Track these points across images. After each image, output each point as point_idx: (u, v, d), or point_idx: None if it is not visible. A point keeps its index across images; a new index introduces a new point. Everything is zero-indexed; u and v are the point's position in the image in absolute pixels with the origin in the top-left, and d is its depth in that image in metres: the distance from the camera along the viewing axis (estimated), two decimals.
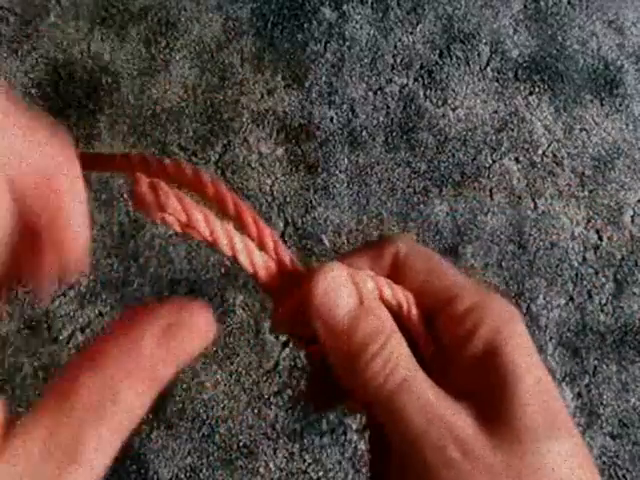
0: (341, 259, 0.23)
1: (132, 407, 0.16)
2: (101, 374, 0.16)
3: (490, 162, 1.07)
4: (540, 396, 0.20)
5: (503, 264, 1.02)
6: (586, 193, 1.07)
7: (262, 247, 0.23)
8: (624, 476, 0.95)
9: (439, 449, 0.19)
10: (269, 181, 1.02)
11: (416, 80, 1.10)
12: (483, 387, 0.20)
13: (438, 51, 1.12)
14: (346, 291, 0.21)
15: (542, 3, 1.17)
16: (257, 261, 0.23)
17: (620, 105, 1.11)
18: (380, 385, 0.20)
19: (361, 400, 0.21)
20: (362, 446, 0.92)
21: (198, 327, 0.18)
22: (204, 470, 0.91)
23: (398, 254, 0.23)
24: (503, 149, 1.07)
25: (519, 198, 1.06)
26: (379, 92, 1.09)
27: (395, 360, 0.20)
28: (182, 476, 0.90)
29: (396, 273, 0.23)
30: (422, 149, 1.06)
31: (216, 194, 0.24)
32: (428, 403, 0.20)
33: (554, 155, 1.08)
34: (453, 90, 1.10)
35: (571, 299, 1.02)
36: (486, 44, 1.13)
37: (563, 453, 0.19)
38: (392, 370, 0.20)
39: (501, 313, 0.22)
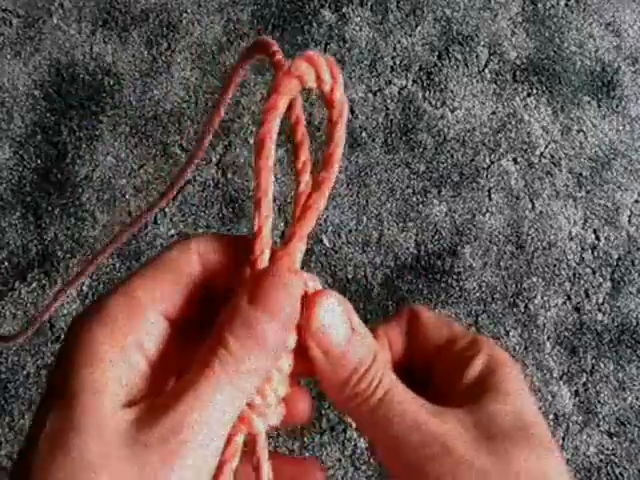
0: (380, 330, 0.27)
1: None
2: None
3: (488, 163, 1.08)
4: (521, 409, 0.22)
5: (501, 264, 1.03)
6: (583, 193, 1.08)
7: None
8: (621, 474, 0.96)
9: (421, 447, 0.21)
10: None
11: (415, 82, 1.11)
12: (476, 399, 0.22)
13: (437, 53, 1.13)
14: (341, 321, 0.23)
15: (540, 5, 1.18)
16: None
17: (617, 106, 1.12)
18: (365, 400, 0.22)
19: (350, 415, 0.23)
20: (362, 444, 0.93)
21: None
22: None
23: (416, 314, 0.27)
24: (501, 150, 1.08)
25: (517, 198, 1.07)
26: (378, 93, 1.10)
27: (379, 377, 0.22)
28: None
29: (414, 328, 0.26)
30: (421, 150, 1.07)
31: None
32: (409, 410, 0.22)
33: (552, 156, 1.09)
34: (452, 91, 1.11)
35: (569, 298, 1.03)
36: (484, 46, 1.14)
37: (539, 463, 0.21)
38: (376, 387, 0.22)
39: (496, 347, 0.24)
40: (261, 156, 0.22)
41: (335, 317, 0.23)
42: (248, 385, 0.21)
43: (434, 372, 0.25)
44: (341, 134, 0.23)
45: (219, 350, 0.20)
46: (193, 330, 0.23)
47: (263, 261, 0.22)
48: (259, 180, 0.22)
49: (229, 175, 1.03)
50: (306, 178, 0.24)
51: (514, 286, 1.02)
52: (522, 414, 0.21)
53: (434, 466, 0.20)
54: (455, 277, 1.02)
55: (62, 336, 0.94)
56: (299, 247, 0.23)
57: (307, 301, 0.22)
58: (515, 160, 1.08)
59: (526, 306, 1.02)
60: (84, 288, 0.96)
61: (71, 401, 0.19)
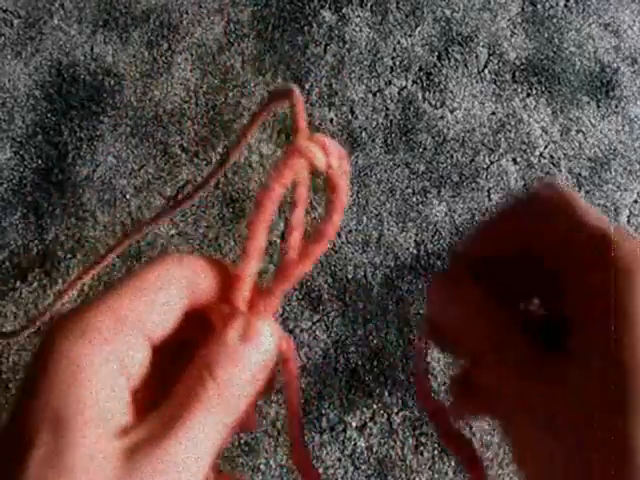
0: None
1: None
2: None
3: (488, 163, 1.08)
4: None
5: None
6: (582, 194, 1.08)
7: None
8: None
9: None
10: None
11: (415, 82, 1.11)
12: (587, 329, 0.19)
13: (436, 53, 1.13)
14: None
15: (539, 6, 1.18)
16: None
17: (616, 107, 1.13)
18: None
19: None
20: (361, 443, 0.93)
21: None
22: None
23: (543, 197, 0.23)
24: (501, 150, 1.09)
25: None
26: (378, 94, 1.10)
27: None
28: None
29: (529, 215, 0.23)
30: (421, 150, 1.08)
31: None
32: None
33: (551, 156, 1.09)
34: (451, 92, 1.11)
35: None
36: (484, 47, 1.15)
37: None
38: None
39: (630, 247, 0.19)
40: (258, 216, 0.24)
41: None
42: (232, 414, 0.22)
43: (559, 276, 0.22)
44: (338, 215, 0.25)
45: (208, 384, 0.21)
46: (169, 352, 0.23)
47: (243, 302, 0.24)
48: (252, 236, 0.24)
49: (229, 175, 1.03)
50: (296, 237, 0.26)
51: None
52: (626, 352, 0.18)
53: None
54: None
55: None
56: (279, 299, 0.25)
57: None
58: (515, 160, 1.08)
59: None
60: (85, 288, 0.96)
61: (62, 425, 0.18)
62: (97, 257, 0.90)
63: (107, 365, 0.20)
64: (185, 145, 1.04)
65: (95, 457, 0.18)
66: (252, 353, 0.22)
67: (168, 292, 0.22)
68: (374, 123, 1.08)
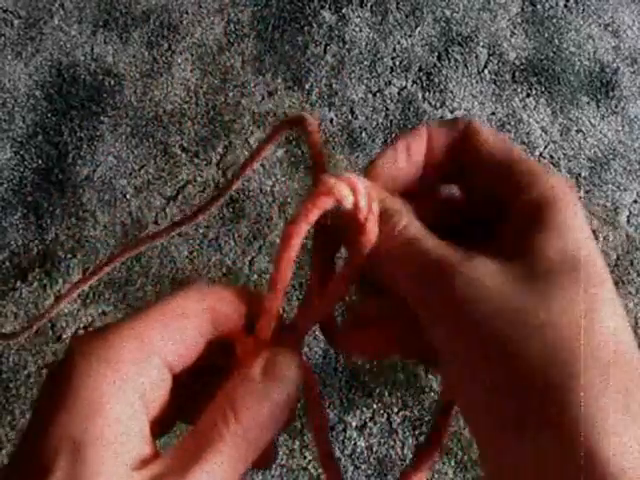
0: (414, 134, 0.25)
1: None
2: None
3: None
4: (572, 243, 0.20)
5: None
6: (582, 194, 1.08)
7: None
8: None
9: (457, 292, 0.20)
10: (270, 182, 1.03)
11: (415, 82, 1.11)
12: (523, 235, 0.21)
13: (436, 54, 1.13)
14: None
15: (539, 6, 1.18)
16: None
17: (616, 107, 1.13)
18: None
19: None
20: (362, 443, 0.93)
21: None
22: None
23: (475, 129, 0.24)
24: None
25: None
26: (378, 94, 1.10)
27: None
28: None
29: (470, 144, 0.24)
30: None
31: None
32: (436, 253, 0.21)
33: (551, 156, 1.09)
34: (451, 92, 1.11)
35: None
36: (484, 47, 1.15)
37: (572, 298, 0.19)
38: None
39: (556, 177, 0.22)
40: (285, 252, 0.23)
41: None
42: (252, 450, 0.21)
43: (486, 200, 0.23)
44: (364, 256, 0.24)
45: (230, 422, 0.20)
46: (188, 379, 0.23)
47: (268, 335, 0.24)
48: (279, 270, 0.24)
49: (229, 175, 1.03)
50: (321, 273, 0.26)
51: None
52: (571, 249, 0.20)
53: (470, 310, 0.20)
54: None
55: (63, 336, 0.95)
56: (303, 334, 0.25)
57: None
58: None
59: None
60: (85, 288, 0.97)
61: (80, 453, 0.18)
62: (96, 267, 0.90)
63: (128, 393, 0.19)
64: (185, 145, 1.05)
65: None
66: (276, 391, 0.22)
67: (191, 322, 0.22)
68: (374, 123, 1.08)
